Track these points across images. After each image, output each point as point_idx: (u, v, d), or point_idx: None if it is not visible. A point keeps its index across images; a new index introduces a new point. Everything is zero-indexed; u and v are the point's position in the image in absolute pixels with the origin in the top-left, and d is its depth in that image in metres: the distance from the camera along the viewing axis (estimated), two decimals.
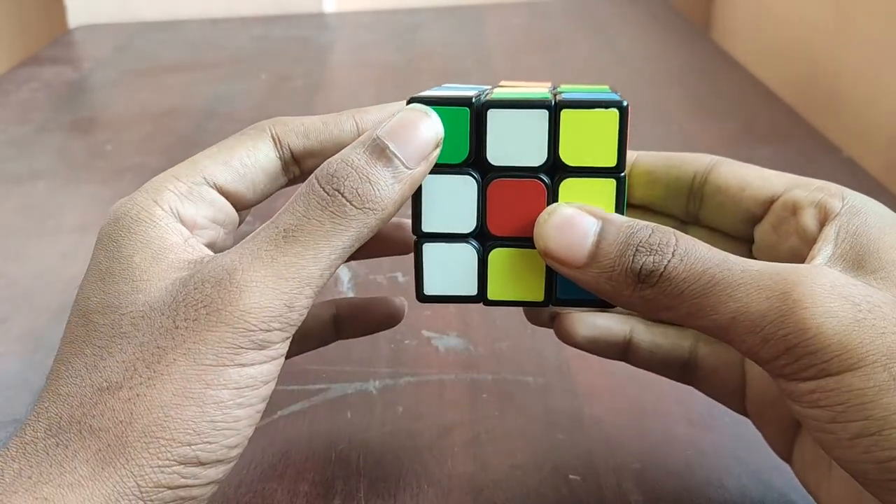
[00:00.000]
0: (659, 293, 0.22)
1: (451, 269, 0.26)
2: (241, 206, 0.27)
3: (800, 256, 0.25)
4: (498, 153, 0.25)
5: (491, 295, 0.26)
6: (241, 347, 0.21)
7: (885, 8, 0.69)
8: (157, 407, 0.21)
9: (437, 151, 0.24)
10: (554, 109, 0.24)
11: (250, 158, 0.26)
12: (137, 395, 0.21)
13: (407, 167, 0.23)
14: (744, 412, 0.28)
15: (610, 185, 0.25)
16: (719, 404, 0.29)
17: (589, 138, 0.25)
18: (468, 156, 0.25)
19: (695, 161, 0.28)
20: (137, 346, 0.22)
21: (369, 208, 0.23)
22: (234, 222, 0.27)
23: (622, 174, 0.25)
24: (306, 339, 0.31)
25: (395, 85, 0.77)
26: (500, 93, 0.26)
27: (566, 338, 0.28)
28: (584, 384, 0.36)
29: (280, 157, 0.27)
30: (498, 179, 0.25)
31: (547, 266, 0.26)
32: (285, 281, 0.22)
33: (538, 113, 0.24)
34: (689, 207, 0.29)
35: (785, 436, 0.27)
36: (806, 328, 0.20)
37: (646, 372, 0.30)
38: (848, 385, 0.19)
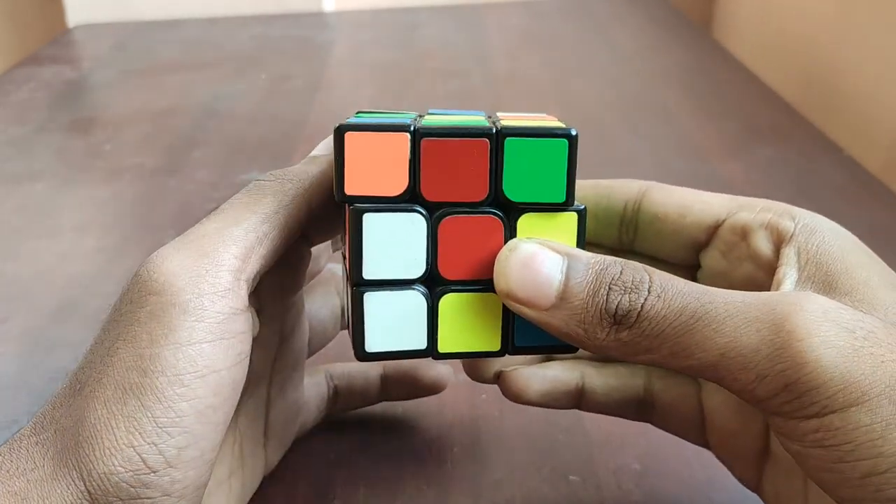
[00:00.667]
0: (637, 335, 0.20)
1: (396, 320, 0.23)
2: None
3: (756, 283, 0.24)
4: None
5: (442, 347, 0.24)
6: (171, 316, 0.20)
7: (886, 7, 0.69)
8: (102, 403, 0.20)
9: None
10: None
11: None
12: (90, 392, 0.21)
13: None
14: (705, 445, 0.27)
15: (571, 218, 0.23)
16: None
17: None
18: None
19: (624, 188, 0.27)
20: (105, 347, 0.22)
21: (284, 178, 0.24)
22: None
23: (583, 207, 0.23)
24: (352, 394, 0.32)
25: (395, 84, 0.77)
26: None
27: (516, 396, 0.27)
28: None
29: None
30: (450, 216, 0.23)
31: (504, 312, 0.23)
32: (207, 239, 0.22)
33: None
34: (623, 237, 0.27)
35: (751, 467, 0.26)
36: (804, 361, 0.18)
37: None
38: (855, 422, 0.18)
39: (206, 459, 0.21)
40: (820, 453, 0.19)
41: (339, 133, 0.22)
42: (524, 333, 0.24)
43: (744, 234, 0.24)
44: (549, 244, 0.22)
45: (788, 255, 0.22)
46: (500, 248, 0.23)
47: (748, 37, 0.99)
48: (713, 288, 0.20)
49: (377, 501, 0.31)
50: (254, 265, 0.23)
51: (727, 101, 0.71)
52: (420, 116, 0.24)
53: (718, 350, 0.19)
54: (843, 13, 0.76)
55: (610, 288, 0.20)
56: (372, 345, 0.23)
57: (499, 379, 0.28)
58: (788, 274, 0.22)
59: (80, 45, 0.95)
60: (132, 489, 0.20)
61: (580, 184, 0.26)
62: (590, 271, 0.21)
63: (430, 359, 0.24)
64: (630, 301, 0.20)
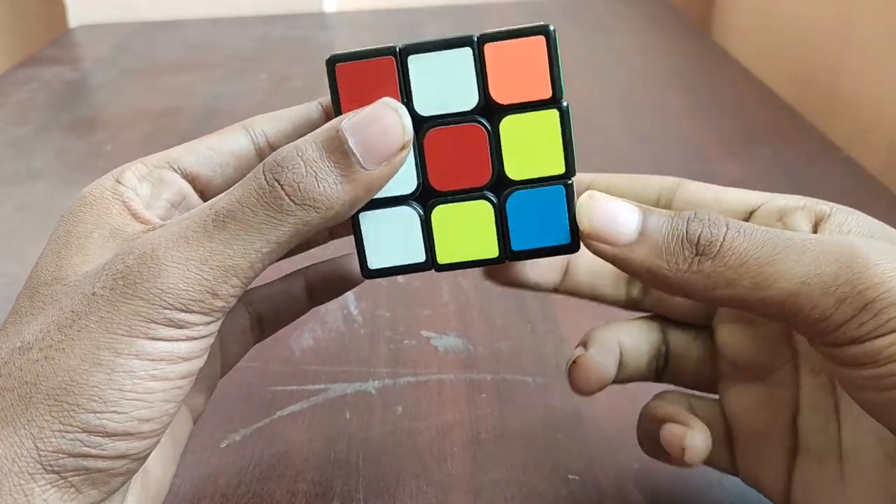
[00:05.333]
0: (720, 264, 0.21)
1: (393, 237, 0.24)
2: (212, 191, 0.26)
3: None
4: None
5: (440, 259, 0.24)
6: (155, 322, 0.21)
7: (885, 8, 0.69)
8: (64, 370, 0.20)
9: (403, 154, 0.23)
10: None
11: (217, 143, 0.26)
12: (46, 357, 0.21)
13: (363, 167, 0.22)
14: (734, 469, 0.28)
15: (553, 116, 0.23)
16: None
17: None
18: None
19: (659, 181, 0.27)
20: (58, 310, 0.21)
21: (309, 205, 0.21)
22: (194, 206, 0.26)
23: (564, 104, 0.23)
24: (278, 314, 0.30)
25: None
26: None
27: (593, 381, 0.28)
28: None
29: (253, 143, 0.26)
30: (433, 129, 0.23)
31: (497, 218, 0.24)
32: (209, 268, 0.21)
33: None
34: None
35: (781, 470, 0.27)
36: (881, 282, 0.20)
37: None
38: None
39: (163, 429, 0.22)
40: (884, 371, 0.20)
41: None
42: (520, 237, 0.24)
43: (780, 215, 0.25)
44: (625, 199, 0.23)
45: (829, 229, 0.24)
46: (486, 154, 0.23)
47: (747, 37, 0.99)
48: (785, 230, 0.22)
49: (377, 501, 0.31)
50: (241, 289, 0.22)
51: (727, 101, 0.71)
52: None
53: (800, 278, 0.20)
54: (842, 13, 0.76)
55: (688, 223, 0.21)
56: (373, 262, 0.24)
57: (570, 370, 0.28)
58: None
59: (81, 46, 0.95)
60: (87, 449, 0.20)
61: (616, 176, 0.27)
62: (664, 215, 0.22)
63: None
64: (712, 234, 0.21)
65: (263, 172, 0.21)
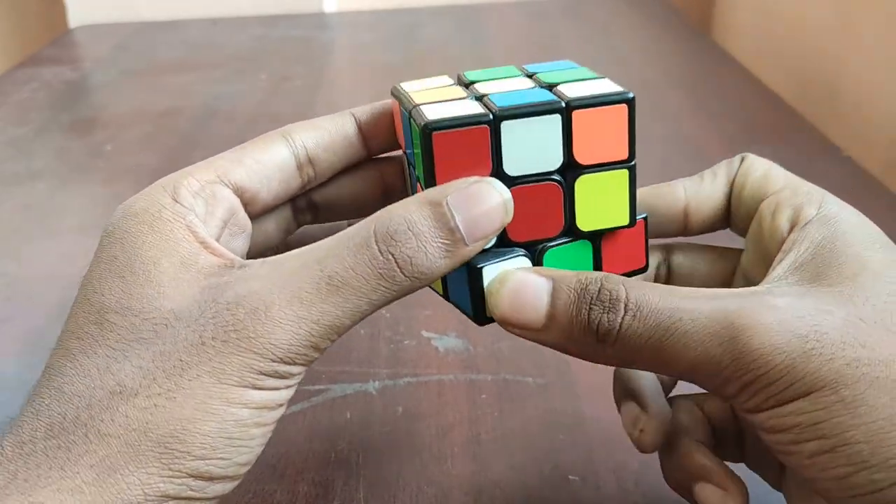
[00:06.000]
0: (620, 350, 0.22)
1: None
2: (257, 206, 0.26)
3: (769, 257, 0.25)
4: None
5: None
6: (264, 374, 0.21)
7: (885, 8, 0.69)
8: (176, 419, 0.21)
9: (497, 232, 0.23)
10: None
11: (263, 155, 0.26)
12: (155, 406, 0.21)
13: (465, 244, 0.23)
14: (742, 457, 0.29)
15: (624, 174, 0.25)
16: None
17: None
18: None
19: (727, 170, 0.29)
20: (158, 354, 0.21)
21: (417, 278, 0.22)
22: (241, 224, 0.26)
23: (633, 163, 0.25)
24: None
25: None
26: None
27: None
28: (584, 384, 0.36)
29: (294, 154, 0.26)
30: (516, 186, 0.24)
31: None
32: (318, 326, 0.22)
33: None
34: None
35: (776, 472, 0.28)
36: (757, 367, 0.21)
37: None
38: (798, 409, 0.21)
39: (251, 466, 0.23)
40: (778, 437, 0.22)
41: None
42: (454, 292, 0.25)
43: (775, 210, 0.26)
44: (539, 270, 0.24)
45: (794, 239, 0.24)
46: (560, 209, 0.25)
47: (747, 38, 0.99)
48: (688, 295, 0.22)
49: (377, 502, 0.31)
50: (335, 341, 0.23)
51: (727, 101, 0.71)
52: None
53: (689, 363, 0.22)
54: (842, 13, 0.76)
55: (591, 307, 0.22)
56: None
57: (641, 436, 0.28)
58: (786, 259, 0.24)
59: (82, 46, 0.95)
60: (192, 493, 0.21)
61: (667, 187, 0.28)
62: (571, 292, 0.23)
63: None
64: (609, 321, 0.22)
65: (377, 243, 0.22)
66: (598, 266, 0.26)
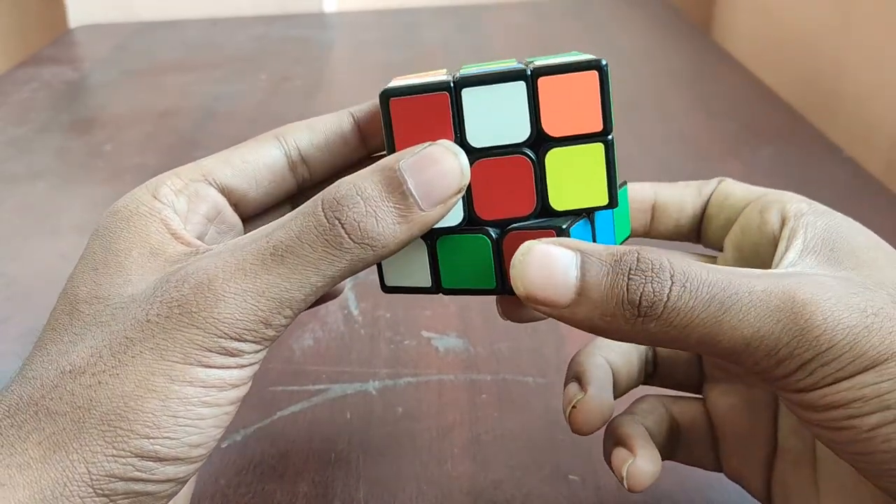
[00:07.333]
0: (665, 325, 0.20)
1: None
2: (248, 205, 0.26)
3: (760, 253, 0.25)
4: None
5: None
6: (210, 351, 0.21)
7: (885, 8, 0.69)
8: (118, 396, 0.21)
9: (459, 196, 0.23)
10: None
11: (252, 155, 0.26)
12: (99, 383, 0.21)
13: (420, 208, 0.22)
14: (718, 467, 0.28)
15: (599, 149, 0.23)
16: None
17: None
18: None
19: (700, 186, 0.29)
20: (108, 334, 0.22)
21: (368, 244, 0.21)
22: (230, 222, 0.26)
23: (610, 137, 0.23)
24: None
25: None
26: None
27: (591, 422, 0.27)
28: None
29: (286, 154, 0.26)
30: (481, 160, 0.23)
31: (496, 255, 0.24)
32: (265, 299, 0.21)
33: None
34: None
35: (762, 468, 0.27)
36: (819, 344, 0.20)
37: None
38: (861, 383, 0.20)
39: (208, 453, 0.22)
40: (831, 414, 0.20)
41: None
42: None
43: (762, 210, 0.26)
44: (560, 241, 0.22)
45: (794, 228, 0.24)
46: (532, 185, 0.23)
47: (747, 37, 0.99)
48: (734, 272, 0.21)
49: (377, 502, 0.31)
50: (292, 319, 0.23)
51: (727, 101, 0.71)
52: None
53: (744, 340, 0.20)
54: (842, 14, 0.76)
55: (629, 277, 0.20)
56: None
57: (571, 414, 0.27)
58: (794, 245, 0.23)
59: (82, 46, 0.95)
60: (139, 473, 0.21)
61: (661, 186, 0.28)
62: (603, 263, 0.21)
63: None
64: (655, 291, 0.20)
65: (323, 209, 0.21)
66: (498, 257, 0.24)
